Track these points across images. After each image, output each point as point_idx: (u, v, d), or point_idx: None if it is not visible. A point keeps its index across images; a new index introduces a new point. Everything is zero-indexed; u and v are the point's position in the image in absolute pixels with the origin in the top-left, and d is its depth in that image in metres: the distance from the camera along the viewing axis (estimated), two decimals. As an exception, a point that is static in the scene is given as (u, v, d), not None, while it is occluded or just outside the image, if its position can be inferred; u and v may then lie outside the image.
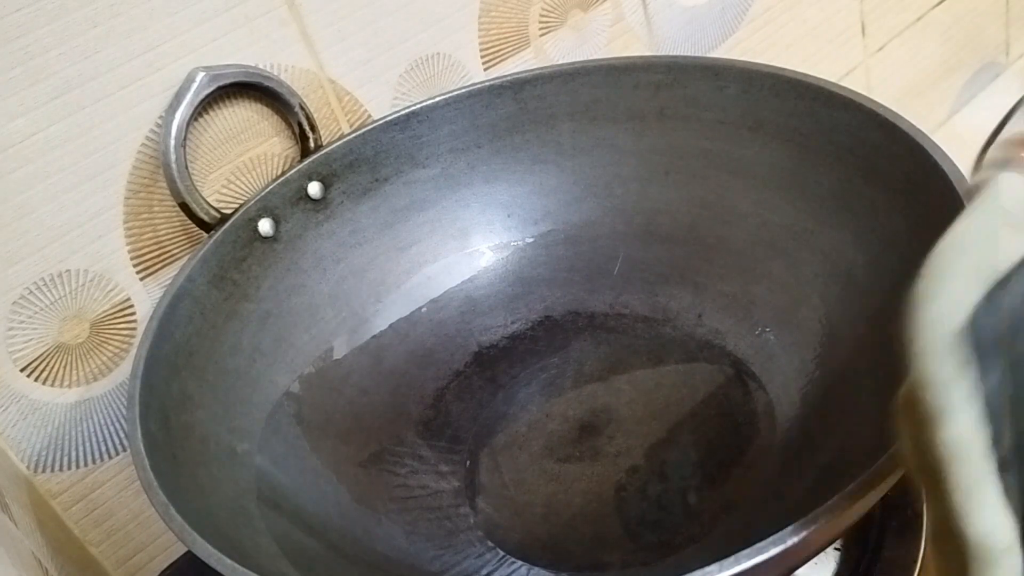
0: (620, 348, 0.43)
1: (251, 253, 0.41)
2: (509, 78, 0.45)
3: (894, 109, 0.35)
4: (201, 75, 0.39)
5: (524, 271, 0.46)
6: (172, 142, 0.38)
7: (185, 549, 0.46)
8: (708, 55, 0.60)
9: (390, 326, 0.44)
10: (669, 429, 0.39)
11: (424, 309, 0.45)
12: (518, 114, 0.45)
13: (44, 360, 0.39)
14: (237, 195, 0.43)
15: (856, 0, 0.68)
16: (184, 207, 0.40)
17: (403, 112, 0.44)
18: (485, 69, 0.49)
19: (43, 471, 0.40)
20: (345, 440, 0.40)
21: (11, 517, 0.36)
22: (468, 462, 0.40)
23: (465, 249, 0.46)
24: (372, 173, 0.44)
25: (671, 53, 0.58)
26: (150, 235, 0.41)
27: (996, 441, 0.15)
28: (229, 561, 0.26)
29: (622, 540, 0.35)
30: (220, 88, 0.40)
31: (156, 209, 0.41)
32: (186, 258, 0.40)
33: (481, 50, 0.49)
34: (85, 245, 0.39)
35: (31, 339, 0.38)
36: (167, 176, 0.39)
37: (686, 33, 0.58)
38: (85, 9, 0.36)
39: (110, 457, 0.42)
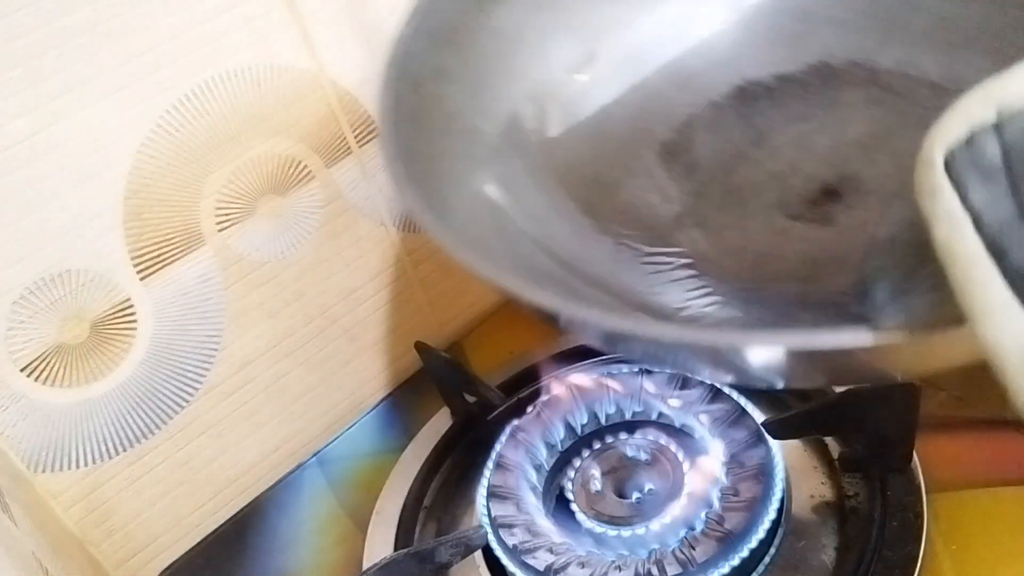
0: (894, 113, 0.38)
1: None
2: None
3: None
4: None
5: (811, 5, 0.40)
6: None
7: (185, 549, 0.46)
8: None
9: (653, 38, 0.41)
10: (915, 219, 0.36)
11: (693, 29, 0.41)
12: None
13: (44, 360, 0.39)
14: (238, 195, 0.43)
15: None
16: None
17: None
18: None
19: (43, 471, 0.40)
20: (581, 147, 0.39)
21: (11, 517, 0.36)
22: (697, 193, 0.37)
23: None
24: None
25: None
26: (150, 235, 0.41)
27: (1001, 254, 0.16)
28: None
29: (824, 306, 0.32)
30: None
31: (156, 209, 0.41)
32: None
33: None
34: (85, 245, 0.39)
35: (31, 339, 0.38)
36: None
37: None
38: (85, 9, 0.36)
39: (110, 457, 0.42)
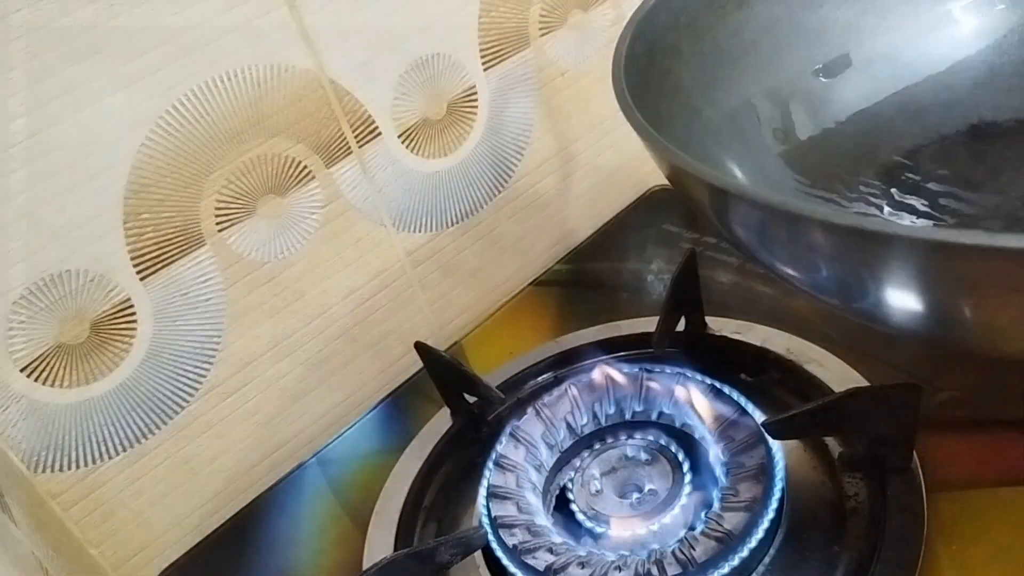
0: None
1: None
2: None
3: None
4: None
5: None
6: None
7: (185, 549, 0.46)
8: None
9: (890, 69, 0.41)
10: None
11: (937, 66, 0.41)
12: None
13: (44, 360, 0.39)
14: (238, 195, 0.43)
15: None
16: None
17: None
18: (485, 69, 0.49)
19: (43, 471, 0.40)
20: (801, 159, 0.40)
21: (11, 517, 0.36)
22: (916, 212, 0.38)
23: (1009, 17, 0.41)
24: None
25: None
26: (150, 235, 0.41)
27: None
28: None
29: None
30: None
31: (156, 209, 0.41)
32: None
33: (481, 50, 0.49)
34: (85, 245, 0.39)
35: (31, 339, 0.38)
36: None
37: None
38: (85, 10, 0.36)
39: (110, 457, 0.42)
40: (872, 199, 0.39)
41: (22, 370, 0.38)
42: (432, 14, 0.46)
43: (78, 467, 0.41)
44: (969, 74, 0.41)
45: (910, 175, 0.39)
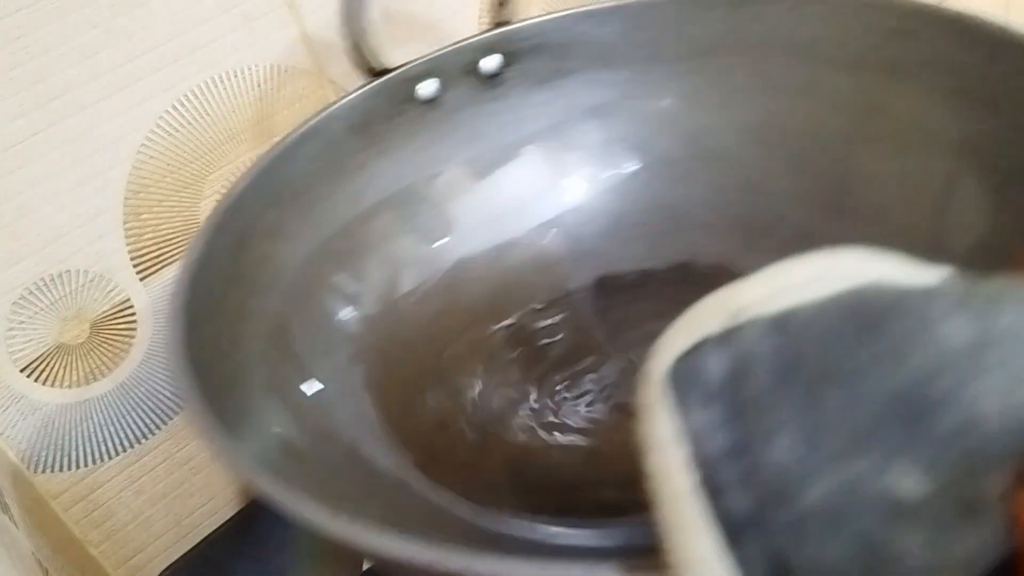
0: None
1: (403, 112, 0.40)
2: (730, -9, 0.40)
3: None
4: None
5: (682, 206, 0.41)
6: None
7: (185, 549, 0.46)
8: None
9: (524, 221, 0.42)
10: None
11: (567, 215, 0.42)
12: (730, 33, 0.40)
13: (44, 360, 0.39)
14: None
15: None
16: (355, 48, 0.39)
17: (605, 6, 0.41)
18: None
19: (43, 471, 0.40)
20: (436, 318, 0.39)
21: (11, 517, 0.36)
22: (539, 380, 0.38)
23: (628, 166, 0.42)
24: (556, 62, 0.41)
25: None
26: (150, 235, 0.41)
27: (717, 493, 0.13)
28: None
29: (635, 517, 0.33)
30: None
31: (156, 209, 0.41)
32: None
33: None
34: (85, 245, 0.39)
35: (31, 339, 0.38)
36: (347, 14, 0.39)
37: None
38: (85, 10, 0.36)
39: (110, 457, 0.42)
40: (469, 376, 0.38)
41: (22, 370, 0.38)
42: (431, 17, 0.46)
43: (78, 467, 0.41)
44: (594, 225, 0.42)
45: (531, 336, 0.40)
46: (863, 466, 0.12)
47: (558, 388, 0.38)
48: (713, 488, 0.13)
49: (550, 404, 0.37)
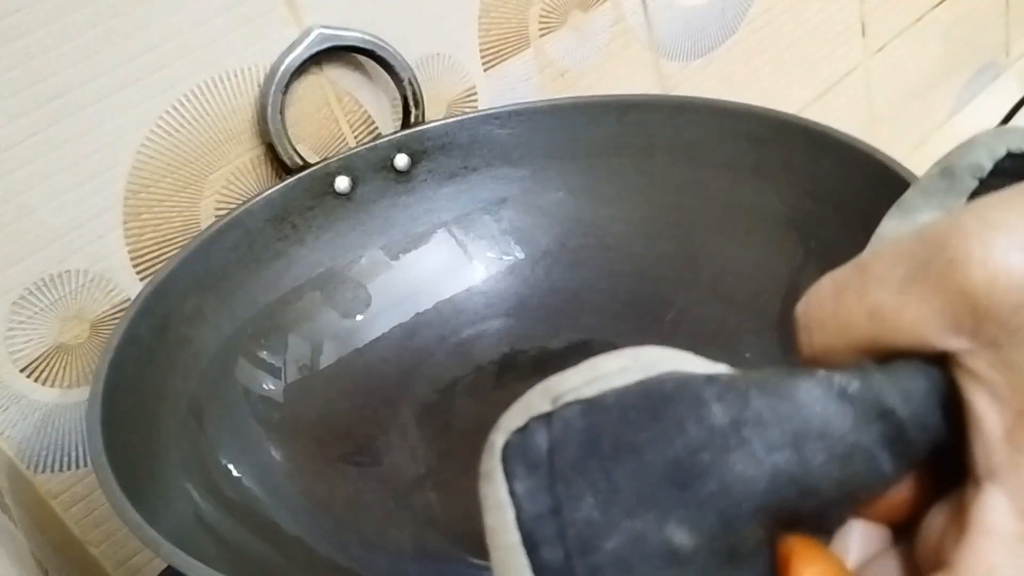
0: None
1: (320, 204, 0.43)
2: (616, 99, 0.45)
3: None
4: (317, 32, 0.41)
5: (579, 290, 0.46)
6: (274, 87, 0.41)
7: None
8: (708, 54, 0.60)
9: (433, 303, 0.45)
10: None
11: (475, 297, 0.46)
12: (618, 135, 0.45)
13: (44, 360, 0.39)
14: (238, 195, 0.43)
15: (856, 0, 0.68)
16: (270, 147, 0.42)
17: (505, 109, 0.45)
18: (485, 70, 0.49)
19: (43, 471, 0.40)
20: (351, 392, 0.42)
21: (11, 517, 0.36)
22: (445, 455, 0.41)
23: (531, 254, 0.47)
24: (463, 160, 0.46)
25: (671, 54, 0.58)
26: (150, 235, 0.41)
27: (534, 547, 0.16)
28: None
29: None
30: (331, 49, 0.42)
31: (156, 209, 0.41)
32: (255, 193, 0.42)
33: (481, 50, 0.49)
34: (85, 245, 0.39)
35: (31, 339, 0.38)
36: (260, 116, 0.41)
37: (687, 33, 0.58)
38: (85, 10, 0.36)
39: (110, 457, 0.42)
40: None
41: (22, 370, 0.38)
42: (431, 15, 0.46)
43: (78, 467, 0.41)
44: (500, 306, 0.46)
45: (442, 415, 0.42)
46: (646, 522, 0.15)
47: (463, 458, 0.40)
48: (532, 543, 0.16)
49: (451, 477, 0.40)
